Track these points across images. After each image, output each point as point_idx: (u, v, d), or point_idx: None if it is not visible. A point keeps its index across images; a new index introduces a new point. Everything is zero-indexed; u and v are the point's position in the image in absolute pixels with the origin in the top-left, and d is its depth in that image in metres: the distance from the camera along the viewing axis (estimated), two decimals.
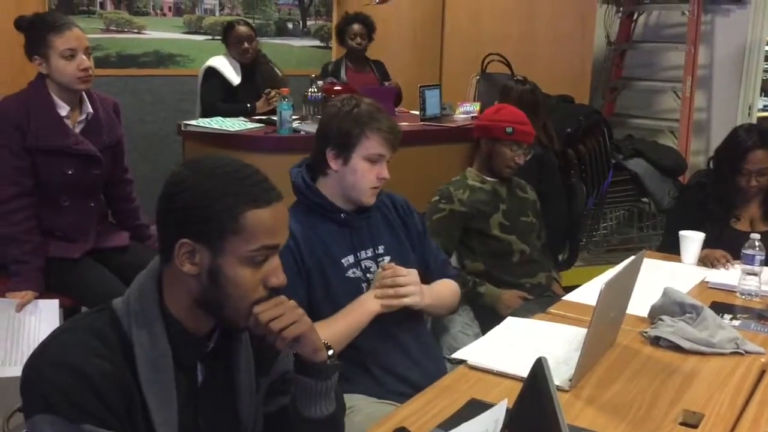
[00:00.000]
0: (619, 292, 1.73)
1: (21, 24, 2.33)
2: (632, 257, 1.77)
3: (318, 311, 1.74)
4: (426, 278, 1.95)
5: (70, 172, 2.35)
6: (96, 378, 1.06)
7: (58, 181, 2.36)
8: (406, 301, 1.82)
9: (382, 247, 1.90)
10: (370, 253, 1.88)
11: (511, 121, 2.63)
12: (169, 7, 4.88)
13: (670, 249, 2.63)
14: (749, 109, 5.35)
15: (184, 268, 1.13)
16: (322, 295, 1.78)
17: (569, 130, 4.24)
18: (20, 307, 2.27)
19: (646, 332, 1.87)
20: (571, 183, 3.62)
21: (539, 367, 1.18)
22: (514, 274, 2.61)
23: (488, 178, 2.66)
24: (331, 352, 1.24)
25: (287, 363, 1.28)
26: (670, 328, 1.83)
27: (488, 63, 4.41)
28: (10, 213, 2.30)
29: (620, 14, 5.88)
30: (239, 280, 1.13)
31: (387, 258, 1.90)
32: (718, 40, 5.47)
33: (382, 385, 1.80)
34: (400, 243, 1.95)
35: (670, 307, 1.92)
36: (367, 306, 1.79)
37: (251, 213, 1.12)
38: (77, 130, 2.39)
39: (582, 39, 5.21)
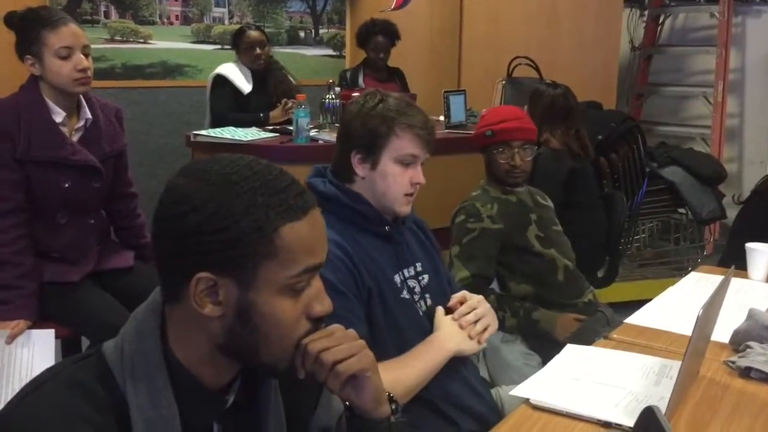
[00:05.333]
0: (711, 316, 1.47)
1: (12, 20, 2.09)
2: (722, 276, 1.51)
3: (381, 341, 1.50)
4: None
5: (66, 186, 2.11)
6: None
7: (53, 195, 2.12)
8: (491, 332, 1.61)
9: (420, 264, 1.66)
10: (412, 271, 1.64)
11: (489, 123, 2.37)
12: (177, 16, 4.67)
13: (733, 263, 2.37)
14: None
15: (204, 309, 0.86)
16: (383, 321, 1.53)
17: (600, 137, 4.00)
18: (11, 339, 2.02)
19: (733, 361, 1.60)
20: (608, 193, 3.36)
21: (652, 420, 0.93)
22: (562, 294, 2.35)
23: (508, 188, 2.40)
24: (395, 405, 0.97)
25: (328, 416, 1.02)
26: (762, 356, 1.57)
27: (514, 67, 4.18)
28: (1, 232, 2.06)
29: (644, 18, 5.67)
30: (279, 315, 0.87)
31: (426, 276, 1.65)
32: (750, 43, 5.26)
33: (457, 425, 1.55)
34: (433, 259, 1.72)
35: (757, 331, 1.65)
36: (446, 345, 1.55)
37: (287, 228, 0.86)
38: (75, 138, 2.15)
39: (607, 44, 5.01)
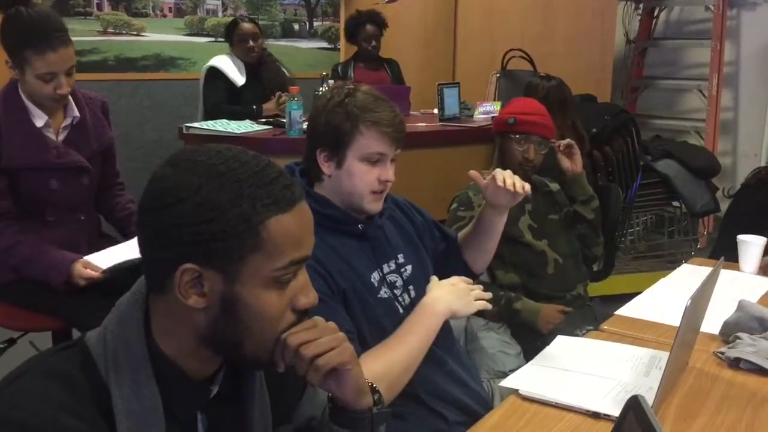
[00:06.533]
0: (700, 307, 1.47)
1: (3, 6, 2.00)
2: (712, 268, 1.51)
3: (362, 341, 1.47)
4: (447, 261, 1.78)
5: (54, 188, 2.09)
6: None
7: (42, 196, 2.10)
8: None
9: (402, 255, 1.63)
10: (393, 265, 1.60)
11: (514, 111, 2.36)
12: (170, 8, 4.65)
13: (724, 255, 2.37)
14: None
15: (189, 300, 0.85)
16: (364, 322, 1.49)
17: (594, 130, 4.00)
18: (93, 273, 2.03)
19: (722, 352, 1.61)
20: (603, 186, 3.36)
21: (638, 409, 0.93)
22: (551, 287, 2.35)
23: None
24: (377, 396, 0.96)
25: (313, 406, 1.01)
26: (751, 347, 1.58)
27: (509, 60, 4.17)
28: None
29: (639, 11, 5.66)
30: (264, 307, 0.86)
31: (409, 267, 1.63)
32: (745, 36, 5.25)
33: (444, 417, 1.54)
34: (416, 247, 1.70)
35: (747, 323, 1.66)
36: (435, 309, 1.51)
37: (274, 221, 0.85)
38: (61, 137, 2.12)
39: (601, 37, 4.99)
